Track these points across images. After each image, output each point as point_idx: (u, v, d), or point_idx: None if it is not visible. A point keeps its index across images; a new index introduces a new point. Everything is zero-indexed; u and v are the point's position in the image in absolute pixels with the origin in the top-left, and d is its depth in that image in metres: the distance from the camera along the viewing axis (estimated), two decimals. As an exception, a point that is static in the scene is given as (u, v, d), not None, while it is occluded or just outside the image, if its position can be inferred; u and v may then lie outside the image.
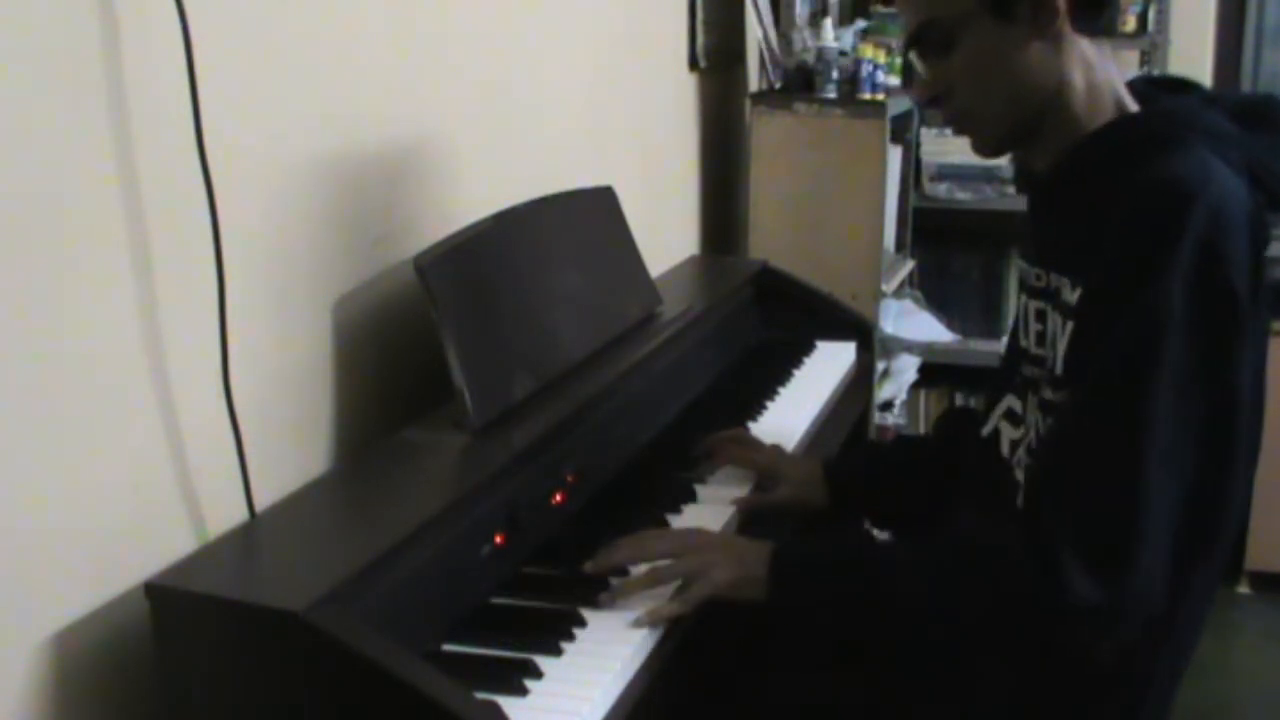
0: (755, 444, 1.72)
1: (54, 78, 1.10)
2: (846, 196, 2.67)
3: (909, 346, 3.21)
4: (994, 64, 1.27)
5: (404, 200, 1.65)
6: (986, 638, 1.23)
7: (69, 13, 1.11)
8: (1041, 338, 1.32)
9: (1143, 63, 3.52)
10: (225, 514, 1.31)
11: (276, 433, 1.40)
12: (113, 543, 1.18)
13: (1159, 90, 1.35)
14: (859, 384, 2.27)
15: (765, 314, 2.40)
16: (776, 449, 1.71)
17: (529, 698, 1.15)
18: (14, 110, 1.06)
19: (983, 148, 1.37)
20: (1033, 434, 1.32)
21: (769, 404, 2.00)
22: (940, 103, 1.33)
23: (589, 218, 1.90)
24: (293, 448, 1.44)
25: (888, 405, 3.11)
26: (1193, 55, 3.66)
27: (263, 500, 1.34)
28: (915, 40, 1.31)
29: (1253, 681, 2.99)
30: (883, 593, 1.26)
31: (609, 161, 2.28)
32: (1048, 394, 1.29)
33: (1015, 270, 1.34)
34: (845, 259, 2.72)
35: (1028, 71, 1.27)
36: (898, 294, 3.28)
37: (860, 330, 2.38)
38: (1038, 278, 1.34)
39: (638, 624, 1.26)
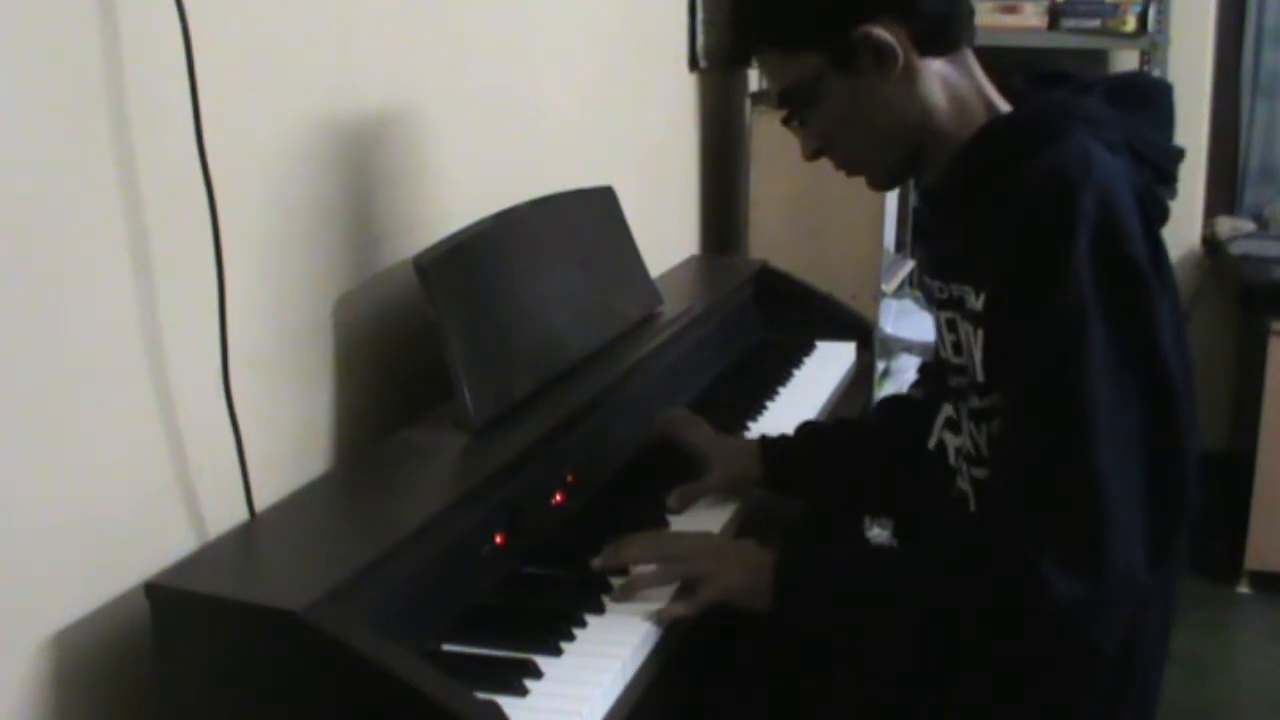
0: (691, 421, 1.71)
1: (54, 78, 1.10)
2: (846, 196, 2.66)
3: (909, 346, 3.20)
4: (856, 113, 1.31)
5: (404, 200, 1.65)
6: (988, 645, 1.23)
7: (69, 13, 1.11)
8: (958, 347, 1.33)
9: (1143, 63, 3.52)
10: (225, 514, 1.31)
11: (276, 433, 1.40)
12: (113, 543, 1.18)
13: (1036, 85, 1.37)
14: (859, 384, 2.27)
15: (765, 314, 2.40)
16: (706, 429, 1.70)
17: (529, 698, 1.15)
18: (14, 110, 1.06)
19: (876, 185, 1.43)
20: (969, 443, 1.33)
21: (769, 404, 2.00)
22: (824, 154, 1.38)
23: (589, 218, 1.90)
24: (293, 448, 1.44)
25: (888, 405, 3.10)
26: (1193, 55, 3.66)
27: (263, 500, 1.34)
28: (782, 105, 1.36)
29: (1253, 681, 2.99)
30: (883, 613, 1.26)
31: (609, 161, 2.28)
32: (975, 402, 1.30)
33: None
34: (845, 259, 2.72)
35: (888, 111, 1.30)
36: (898, 294, 3.28)
37: (860, 330, 2.38)
38: (940, 290, 1.35)
39: (645, 620, 1.27)
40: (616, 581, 1.34)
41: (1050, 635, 1.19)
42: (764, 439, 1.67)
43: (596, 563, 1.35)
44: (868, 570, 1.31)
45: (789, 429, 1.87)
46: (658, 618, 1.28)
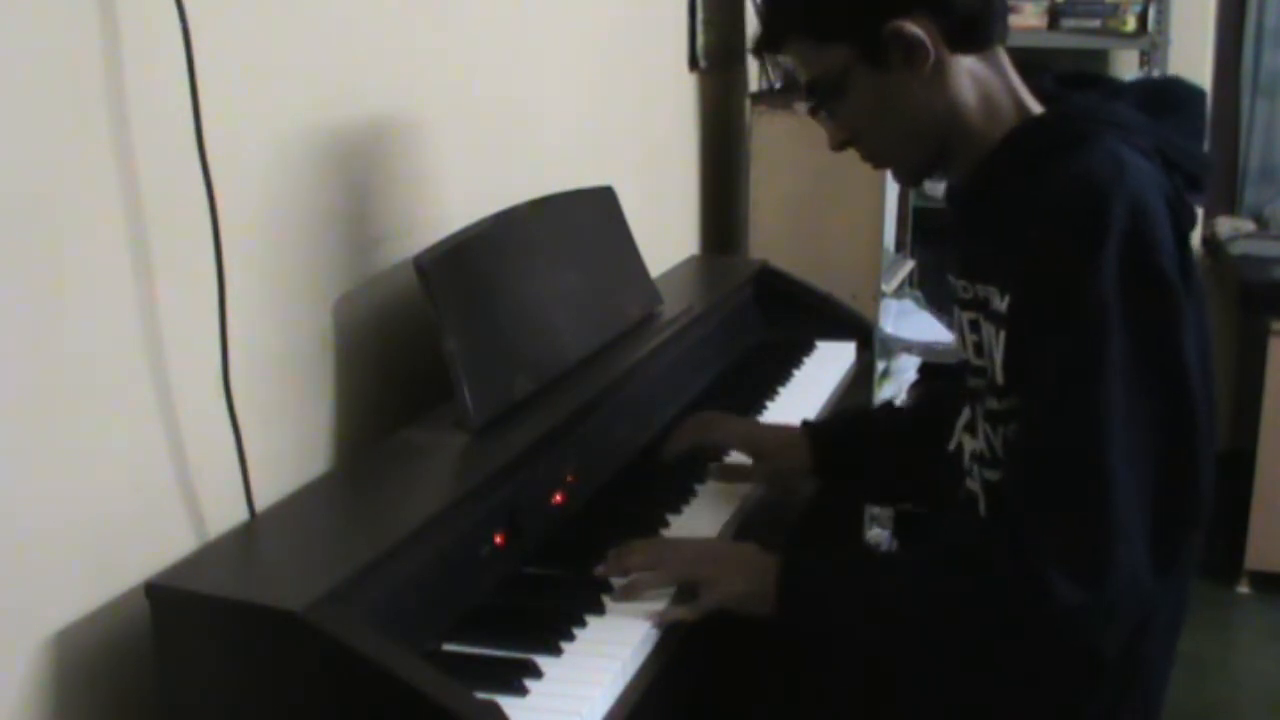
0: (726, 420, 1.71)
1: (54, 78, 1.10)
2: (846, 196, 2.66)
3: (909, 346, 3.20)
4: (884, 107, 1.31)
5: (404, 200, 1.65)
6: (992, 648, 1.23)
7: (69, 13, 1.11)
8: (979, 348, 1.32)
9: (1143, 63, 3.52)
10: (225, 514, 1.31)
11: (276, 433, 1.40)
12: (113, 543, 1.18)
13: (1066, 88, 1.36)
14: (859, 384, 2.27)
15: (765, 314, 2.40)
16: (740, 422, 1.72)
17: (529, 698, 1.15)
18: (14, 110, 1.06)
19: (902, 180, 1.44)
20: (983, 444, 1.33)
21: (769, 404, 2.00)
22: (851, 146, 1.38)
23: (589, 218, 1.90)
24: (293, 448, 1.44)
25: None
26: (1193, 55, 3.66)
27: (263, 500, 1.34)
28: (810, 96, 1.36)
29: (1253, 681, 2.99)
30: (886, 616, 1.26)
31: (609, 161, 2.28)
32: (992, 404, 1.29)
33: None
34: (845, 259, 2.72)
35: (918, 107, 1.30)
36: (898, 294, 3.28)
37: (860, 330, 2.38)
38: (965, 289, 1.35)
39: (645, 620, 1.27)
40: (617, 582, 1.34)
41: (1053, 639, 1.19)
42: (808, 426, 1.67)
43: (600, 569, 1.35)
44: (871, 574, 1.31)
45: (789, 429, 1.88)
46: (657, 620, 1.28)
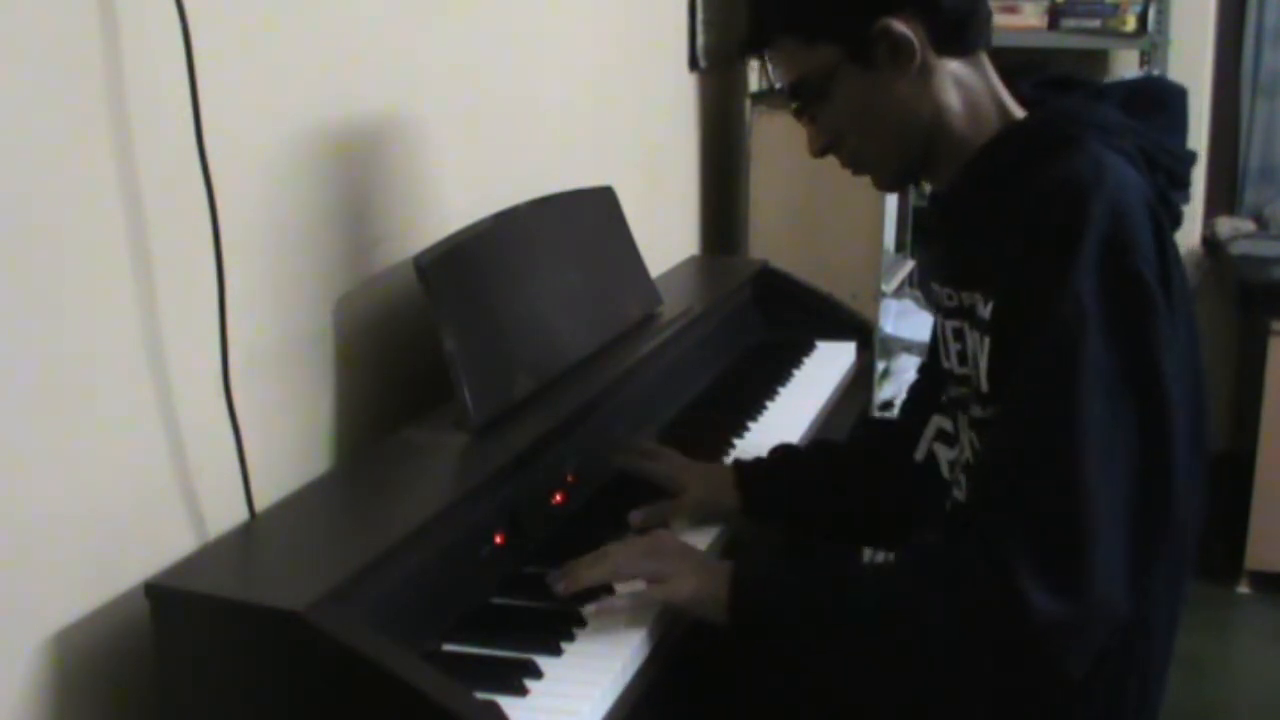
0: (654, 452, 1.65)
1: (54, 78, 1.10)
2: (846, 196, 2.67)
3: (909, 346, 3.21)
4: (869, 108, 1.30)
5: (404, 200, 1.65)
6: (956, 661, 1.19)
7: (69, 13, 1.11)
8: (963, 357, 1.31)
9: (1143, 63, 3.52)
10: (225, 514, 1.31)
11: (276, 433, 1.40)
12: (113, 543, 1.18)
13: (1048, 91, 1.35)
14: (859, 384, 2.27)
15: (765, 314, 2.40)
16: (675, 455, 1.64)
17: (529, 698, 1.15)
18: (14, 110, 1.06)
19: (883, 185, 1.42)
20: (968, 453, 1.31)
21: (769, 404, 2.00)
22: (832, 150, 1.36)
23: (589, 218, 1.90)
24: (293, 448, 1.44)
25: (887, 405, 3.10)
26: (1193, 55, 3.66)
27: (263, 500, 1.34)
28: (793, 98, 1.34)
29: (1253, 681, 2.99)
30: (845, 625, 1.23)
31: (609, 161, 2.28)
32: (977, 412, 1.28)
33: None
34: (845, 259, 2.72)
35: (902, 108, 1.29)
36: (898, 294, 3.28)
37: (860, 330, 2.38)
38: (949, 297, 1.34)
39: (645, 620, 1.26)
40: (618, 587, 1.33)
41: (1023, 657, 1.15)
42: (739, 464, 1.61)
43: (556, 586, 1.30)
44: (828, 591, 1.25)
45: (789, 429, 1.88)
46: (598, 610, 1.27)
